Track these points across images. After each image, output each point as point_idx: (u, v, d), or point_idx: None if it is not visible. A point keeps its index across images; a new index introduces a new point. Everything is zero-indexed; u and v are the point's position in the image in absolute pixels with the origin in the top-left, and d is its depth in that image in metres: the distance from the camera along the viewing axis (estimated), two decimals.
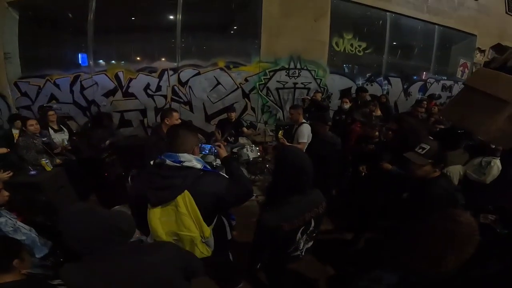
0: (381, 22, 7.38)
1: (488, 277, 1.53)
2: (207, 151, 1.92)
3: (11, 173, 2.92)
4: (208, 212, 1.47)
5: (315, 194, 1.65)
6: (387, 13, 7.24)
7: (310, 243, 1.73)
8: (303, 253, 1.71)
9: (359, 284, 1.62)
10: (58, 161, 3.80)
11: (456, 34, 8.30)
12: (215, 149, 1.90)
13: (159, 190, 1.45)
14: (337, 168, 3.91)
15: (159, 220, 1.44)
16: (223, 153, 1.85)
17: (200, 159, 1.59)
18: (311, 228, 1.63)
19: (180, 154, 1.51)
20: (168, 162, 1.48)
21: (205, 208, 1.45)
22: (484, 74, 2.25)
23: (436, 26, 7.91)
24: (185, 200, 1.40)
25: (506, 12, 8.43)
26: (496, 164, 2.83)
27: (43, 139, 3.88)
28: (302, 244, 1.66)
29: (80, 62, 6.44)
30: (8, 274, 1.43)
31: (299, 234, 1.59)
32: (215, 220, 1.54)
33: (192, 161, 1.51)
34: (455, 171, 3.05)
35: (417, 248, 1.37)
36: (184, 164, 1.48)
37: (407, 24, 7.68)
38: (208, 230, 1.47)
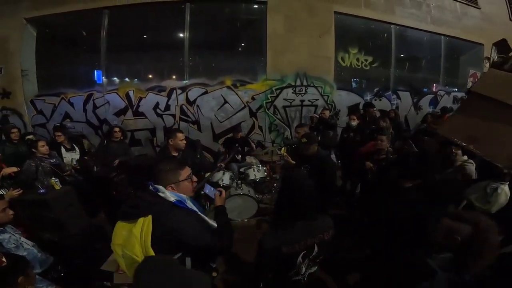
0: (386, 35, 7.39)
1: None
2: (207, 191, 1.98)
3: (21, 191, 3.01)
4: (164, 246, 1.41)
5: (322, 220, 1.63)
6: (391, 26, 7.27)
7: (314, 268, 1.68)
8: (305, 278, 1.67)
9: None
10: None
11: (463, 44, 8.23)
12: (214, 193, 1.90)
13: (128, 207, 1.49)
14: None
15: (119, 231, 1.47)
16: (219, 201, 1.85)
17: (177, 194, 1.57)
18: (314, 254, 1.59)
19: (157, 186, 1.56)
20: (150, 187, 1.56)
21: (161, 240, 1.40)
22: (497, 77, 1.81)
23: (442, 37, 7.87)
24: (144, 224, 1.39)
25: (510, 20, 8.41)
26: (504, 191, 2.38)
27: (52, 161, 3.96)
28: (304, 269, 1.62)
29: (93, 80, 6.68)
30: None
31: (300, 259, 1.55)
32: (177, 256, 1.47)
33: (165, 193, 1.53)
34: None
35: None
36: (159, 193, 1.53)
37: (412, 36, 7.68)
38: None
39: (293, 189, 1.57)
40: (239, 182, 4.31)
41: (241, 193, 4.11)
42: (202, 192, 1.99)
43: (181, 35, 6.39)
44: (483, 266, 1.28)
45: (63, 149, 4.50)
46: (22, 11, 6.32)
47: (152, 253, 1.36)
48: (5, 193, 2.99)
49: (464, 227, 1.31)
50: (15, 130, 4.60)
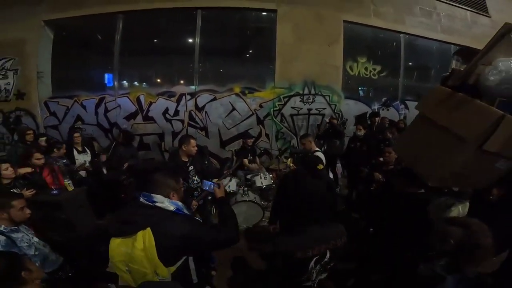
0: (395, 44, 7.36)
1: None
2: (207, 188, 1.98)
3: (34, 191, 3.12)
4: (171, 253, 1.45)
5: (335, 227, 1.68)
6: (401, 35, 7.23)
7: (324, 275, 1.72)
8: (315, 285, 1.70)
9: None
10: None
11: (473, 53, 8.09)
12: (213, 187, 1.91)
13: (122, 223, 1.48)
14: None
15: (117, 248, 1.46)
16: (219, 193, 1.86)
17: (177, 202, 1.59)
18: (326, 259, 1.64)
19: (153, 195, 1.54)
20: (141, 199, 1.54)
21: (168, 248, 1.42)
22: (439, 96, 1.70)
23: (452, 46, 7.76)
24: (145, 237, 1.39)
25: None
26: (458, 209, 2.33)
27: (64, 161, 4.12)
28: (315, 274, 1.66)
29: (106, 83, 6.85)
30: (23, 286, 1.44)
31: (312, 264, 1.60)
32: (179, 262, 1.51)
33: (164, 202, 1.53)
34: None
35: None
36: (156, 204, 1.52)
37: (421, 45, 7.61)
38: (165, 270, 1.44)
39: (308, 195, 1.62)
40: (246, 189, 4.37)
41: (247, 199, 4.16)
42: (204, 188, 2.02)
43: (191, 41, 6.51)
44: (477, 268, 1.33)
45: (75, 151, 4.63)
46: (40, 13, 6.53)
47: (160, 264, 1.40)
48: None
49: (457, 231, 1.36)
50: (30, 131, 4.77)
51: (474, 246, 1.30)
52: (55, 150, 4.03)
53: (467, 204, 2.25)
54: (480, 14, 7.86)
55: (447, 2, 7.50)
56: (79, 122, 6.75)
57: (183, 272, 1.52)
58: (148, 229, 1.41)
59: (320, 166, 3.10)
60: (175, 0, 6.23)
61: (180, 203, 1.60)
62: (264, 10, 6.42)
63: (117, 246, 1.45)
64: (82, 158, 4.69)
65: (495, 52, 1.52)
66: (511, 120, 1.28)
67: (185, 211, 1.62)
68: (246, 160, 5.18)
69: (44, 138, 4.98)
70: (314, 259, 1.59)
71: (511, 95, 1.37)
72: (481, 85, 1.46)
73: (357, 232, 3.46)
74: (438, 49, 7.85)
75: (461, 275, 1.35)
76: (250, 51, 7.18)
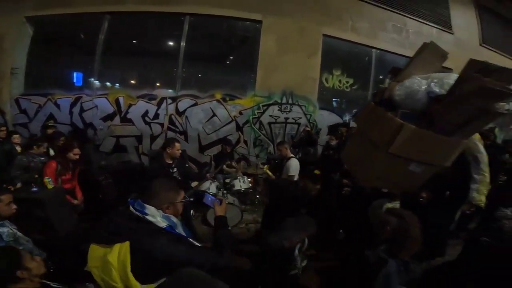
0: (367, 58, 7.68)
1: None
2: (208, 202, 1.97)
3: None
4: (150, 272, 1.32)
5: (306, 219, 1.92)
6: (373, 50, 7.57)
7: (305, 262, 1.93)
8: (300, 271, 1.90)
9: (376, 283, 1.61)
10: None
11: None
12: (214, 202, 1.81)
13: (105, 231, 1.41)
14: None
15: (94, 254, 1.37)
16: (219, 211, 1.72)
17: (170, 218, 1.47)
18: (305, 246, 1.86)
19: (147, 206, 1.43)
20: (131, 209, 1.43)
21: (147, 267, 1.30)
22: (367, 110, 1.94)
23: None
24: (121, 251, 1.28)
25: (480, 45, 8.89)
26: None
27: (42, 159, 4.04)
28: (299, 261, 1.86)
29: (84, 83, 6.75)
30: (19, 284, 1.47)
31: (296, 251, 1.80)
32: (159, 282, 1.36)
33: (156, 217, 1.41)
34: None
35: None
36: (146, 217, 1.40)
37: (390, 60, 7.82)
38: (137, 287, 1.29)
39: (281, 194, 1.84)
40: (225, 192, 4.52)
41: (227, 202, 4.28)
42: (204, 202, 1.99)
43: (177, 46, 6.58)
44: (407, 255, 1.57)
45: (51, 151, 4.52)
46: (24, 10, 6.39)
47: (133, 280, 1.28)
48: None
49: (392, 219, 1.61)
50: (3, 128, 4.59)
51: (405, 235, 1.55)
52: (34, 147, 3.94)
53: (397, 204, 2.55)
54: (444, 31, 8.37)
55: (416, 19, 7.94)
56: (51, 121, 6.55)
57: None
58: (127, 243, 1.29)
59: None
60: (164, 4, 6.30)
61: (174, 219, 1.49)
62: (250, 20, 6.62)
63: (94, 251, 1.36)
64: None
65: (410, 70, 1.80)
66: (408, 128, 1.55)
67: (179, 229, 1.49)
68: (224, 165, 5.35)
69: (17, 135, 4.82)
70: (298, 246, 1.79)
71: (413, 107, 1.65)
72: (393, 99, 1.74)
73: (329, 235, 3.76)
74: (404, 64, 8.33)
75: (401, 258, 1.57)
76: (234, 59, 7.33)
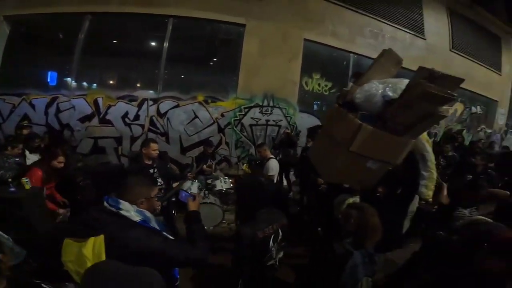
0: (345, 62, 7.93)
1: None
2: (182, 198, 1.95)
3: None
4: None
5: (277, 211, 2.06)
6: (351, 54, 7.81)
7: (281, 253, 2.02)
8: (277, 263, 1.99)
9: (343, 274, 1.66)
10: None
11: (407, 74, 8.99)
12: (187, 198, 1.80)
13: (80, 225, 1.42)
14: None
15: (68, 248, 1.35)
16: (192, 206, 1.72)
17: (144, 212, 1.49)
18: (279, 237, 1.95)
19: (121, 201, 1.45)
20: (106, 204, 1.44)
21: (122, 259, 1.22)
22: (331, 111, 2.09)
23: None
24: (95, 244, 1.28)
25: (450, 50, 9.37)
26: (349, 203, 2.67)
27: (17, 159, 3.95)
28: (275, 252, 1.94)
29: (61, 83, 6.59)
30: None
31: (271, 242, 1.89)
32: None
33: (130, 212, 1.43)
34: None
35: None
36: (120, 212, 1.42)
37: (367, 65, 8.20)
38: None
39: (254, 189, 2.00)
40: (207, 192, 4.58)
41: (208, 201, 4.36)
42: (174, 199, 2.02)
43: (159, 47, 6.57)
44: (371, 245, 1.70)
45: (27, 152, 4.42)
46: (3, 8, 6.25)
47: None
48: None
49: (354, 212, 1.76)
50: None
51: (365, 225, 1.68)
52: (9, 148, 3.84)
53: (357, 199, 2.75)
54: (417, 36, 8.75)
55: (392, 24, 8.27)
56: (26, 121, 6.34)
57: None
58: (101, 236, 1.30)
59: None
60: (148, 5, 6.28)
61: (148, 214, 1.51)
62: (233, 23, 6.70)
63: (68, 246, 1.35)
64: (34, 159, 4.48)
65: (370, 75, 1.97)
66: (366, 128, 1.70)
67: (153, 223, 1.51)
68: (204, 165, 5.39)
69: None
70: (272, 237, 1.88)
71: (370, 110, 1.80)
72: (354, 102, 1.90)
73: (308, 232, 3.89)
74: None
75: (366, 250, 1.70)
76: (216, 61, 7.39)
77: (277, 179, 5.26)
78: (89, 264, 1.24)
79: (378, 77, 1.95)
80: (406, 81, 1.76)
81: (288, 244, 2.08)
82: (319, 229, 3.96)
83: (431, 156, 2.29)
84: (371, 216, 1.71)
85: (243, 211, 2.05)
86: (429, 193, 2.32)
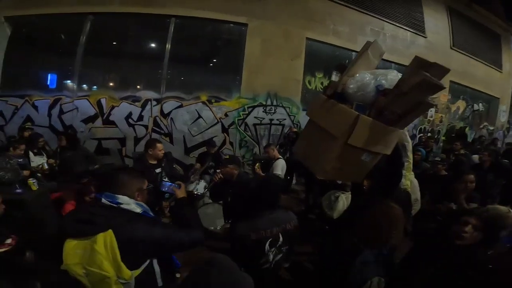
0: (347, 61, 7.76)
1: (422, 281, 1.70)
2: (166, 188, 1.91)
3: None
4: (136, 257, 1.38)
5: (284, 212, 1.97)
6: (353, 53, 7.68)
7: (279, 256, 1.97)
8: (272, 266, 1.93)
9: (352, 270, 1.64)
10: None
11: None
12: (173, 188, 1.83)
13: (80, 223, 1.38)
14: None
15: (72, 251, 1.34)
16: (180, 194, 1.77)
17: (142, 204, 1.54)
18: (279, 243, 1.90)
19: (118, 196, 1.46)
20: (103, 200, 1.44)
21: (132, 252, 1.35)
22: (319, 102, 1.96)
23: (392, 64, 8.28)
24: (106, 240, 1.29)
25: (451, 48, 9.43)
26: (343, 200, 2.81)
27: (19, 160, 3.93)
28: (271, 256, 1.89)
29: (64, 84, 6.56)
30: None
31: (267, 246, 1.84)
32: (144, 266, 1.42)
33: (131, 204, 1.47)
34: None
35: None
36: (121, 206, 1.44)
37: None
38: (128, 273, 1.33)
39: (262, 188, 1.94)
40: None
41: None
42: (162, 190, 1.99)
43: (162, 48, 6.54)
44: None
45: (31, 153, 4.41)
46: (3, 9, 6.19)
47: (123, 267, 1.31)
48: None
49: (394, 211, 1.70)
50: None
51: (373, 225, 1.65)
52: (11, 149, 3.82)
53: (349, 195, 2.75)
54: (418, 34, 8.80)
55: (393, 23, 8.31)
56: (29, 123, 6.32)
57: (148, 275, 1.44)
58: (110, 231, 1.31)
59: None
60: (150, 6, 6.25)
61: (145, 205, 1.56)
62: (236, 23, 6.69)
63: (72, 248, 1.34)
64: (39, 160, 4.47)
65: (357, 66, 1.91)
66: (364, 119, 1.65)
67: (151, 213, 1.57)
68: (198, 164, 5.33)
69: None
70: (268, 241, 1.82)
71: (364, 100, 1.76)
72: (346, 93, 1.85)
73: (314, 231, 3.86)
74: (381, 67, 8.62)
75: (380, 249, 1.67)
76: (219, 61, 7.36)
77: (287, 177, 5.22)
78: (104, 261, 1.27)
79: (363, 68, 1.89)
80: (394, 72, 1.76)
81: (293, 250, 2.01)
82: (326, 227, 3.97)
83: (410, 146, 2.31)
84: (400, 218, 1.67)
85: (238, 208, 1.98)
86: (406, 182, 2.36)
